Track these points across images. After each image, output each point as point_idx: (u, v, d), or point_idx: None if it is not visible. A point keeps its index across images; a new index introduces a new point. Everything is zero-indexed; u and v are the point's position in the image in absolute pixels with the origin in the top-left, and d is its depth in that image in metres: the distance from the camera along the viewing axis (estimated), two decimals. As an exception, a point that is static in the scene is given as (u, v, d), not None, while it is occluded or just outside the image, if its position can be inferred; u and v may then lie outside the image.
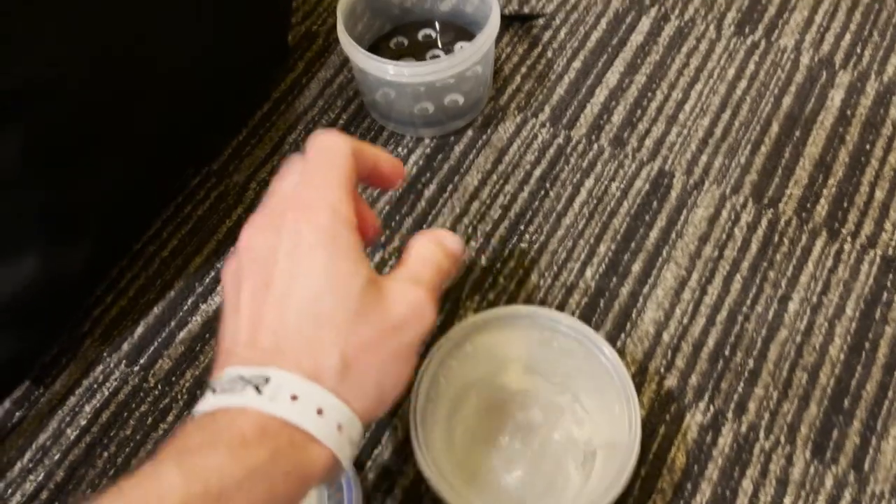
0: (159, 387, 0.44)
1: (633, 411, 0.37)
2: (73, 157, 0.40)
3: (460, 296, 0.46)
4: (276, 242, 0.30)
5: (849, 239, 0.46)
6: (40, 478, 0.41)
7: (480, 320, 0.40)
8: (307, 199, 0.30)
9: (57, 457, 0.42)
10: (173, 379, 0.44)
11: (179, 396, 0.43)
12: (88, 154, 0.40)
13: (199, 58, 0.44)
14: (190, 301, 0.46)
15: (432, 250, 0.32)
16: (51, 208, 0.41)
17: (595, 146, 0.51)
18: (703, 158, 0.50)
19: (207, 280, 0.47)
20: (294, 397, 0.27)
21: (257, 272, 0.30)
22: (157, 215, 0.49)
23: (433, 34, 0.54)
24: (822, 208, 0.47)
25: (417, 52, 0.53)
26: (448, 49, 0.53)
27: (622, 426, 0.37)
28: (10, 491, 0.41)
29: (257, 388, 0.27)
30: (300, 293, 0.29)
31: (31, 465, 0.42)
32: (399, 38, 0.54)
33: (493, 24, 0.47)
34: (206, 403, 0.28)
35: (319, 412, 0.27)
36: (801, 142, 0.50)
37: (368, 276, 0.29)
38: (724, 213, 0.47)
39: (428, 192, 0.49)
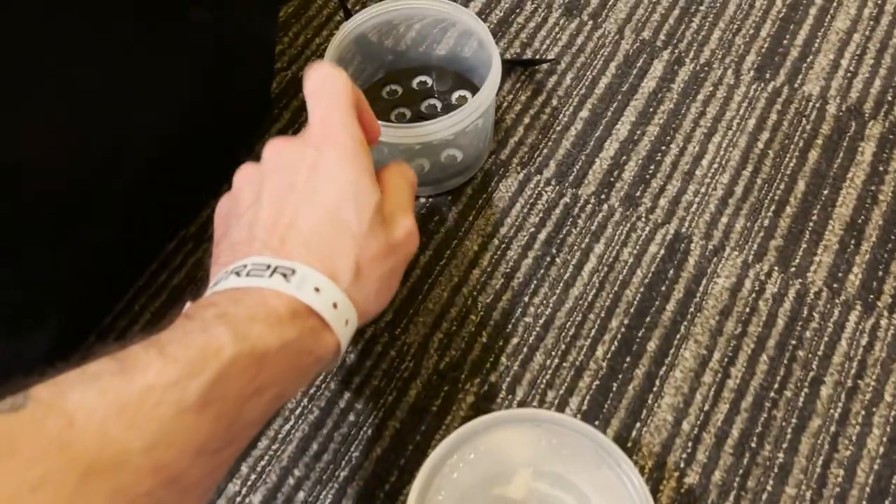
0: None
1: None
2: (33, 238, 0.36)
3: (459, 377, 0.42)
4: (300, 155, 0.33)
5: (885, 313, 0.42)
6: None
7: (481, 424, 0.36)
8: (327, 123, 0.33)
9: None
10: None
11: None
12: (53, 234, 0.36)
13: (176, 125, 0.40)
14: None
15: (403, 182, 0.36)
16: (6, 295, 0.37)
17: (605, 206, 0.47)
18: (723, 220, 0.46)
19: (183, 359, 0.43)
20: (317, 289, 0.30)
21: (282, 177, 0.33)
22: (130, 284, 0.45)
23: (429, 81, 0.50)
24: (854, 278, 0.43)
25: (412, 100, 0.49)
26: (445, 98, 0.49)
27: None
28: None
29: (285, 276, 0.30)
30: (324, 198, 0.32)
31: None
32: (392, 85, 0.50)
33: (495, 76, 0.43)
34: (235, 283, 0.30)
35: (335, 306, 0.30)
36: (830, 202, 0.46)
37: (379, 197, 0.33)
38: (748, 284, 0.43)
39: (423, 259, 0.45)
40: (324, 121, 0.33)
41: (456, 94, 0.49)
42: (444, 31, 0.50)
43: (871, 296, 0.43)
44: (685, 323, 0.43)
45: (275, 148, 0.34)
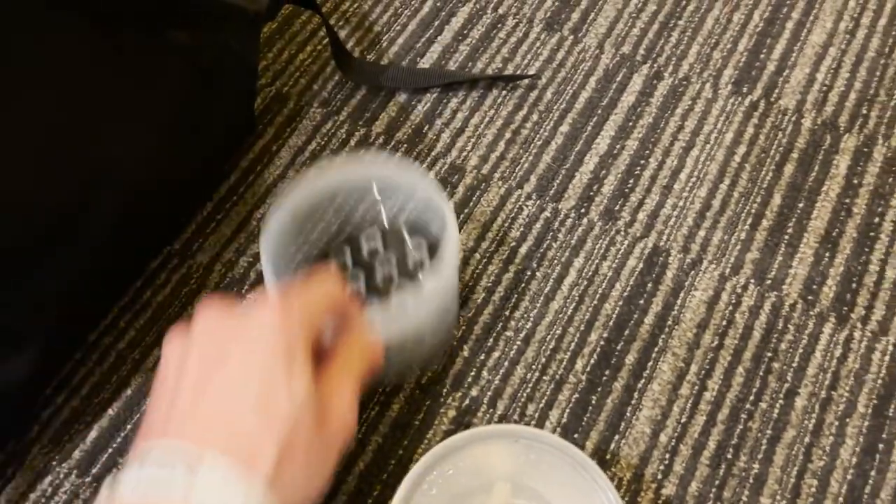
0: None
1: None
2: (12, 263, 0.36)
3: (441, 391, 0.42)
4: (234, 332, 0.31)
5: (858, 325, 0.43)
6: None
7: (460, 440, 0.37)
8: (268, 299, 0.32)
9: (-1, 585, 0.38)
10: (128, 491, 0.40)
11: (134, 513, 0.40)
12: (33, 258, 0.37)
13: (156, 148, 0.40)
14: (148, 400, 0.43)
15: (357, 358, 0.33)
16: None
17: (585, 220, 0.47)
18: (701, 234, 0.46)
19: (167, 375, 0.43)
20: (225, 482, 0.27)
21: (210, 351, 0.31)
22: (114, 303, 0.46)
23: (379, 249, 0.43)
24: (829, 290, 0.44)
25: (364, 274, 0.43)
26: (403, 268, 0.43)
27: None
28: None
29: (190, 469, 0.27)
30: (250, 384, 0.29)
31: None
32: (339, 258, 0.43)
33: (453, 246, 0.38)
34: (133, 479, 0.27)
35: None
36: (805, 214, 0.47)
37: (311, 387, 0.30)
38: (724, 297, 0.44)
39: (406, 273, 0.46)
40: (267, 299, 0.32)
41: (412, 260, 0.43)
42: (389, 194, 0.43)
43: (845, 308, 0.43)
44: (663, 336, 0.43)
45: (208, 318, 0.32)
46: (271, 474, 0.28)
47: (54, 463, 0.41)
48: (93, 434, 0.42)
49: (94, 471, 0.41)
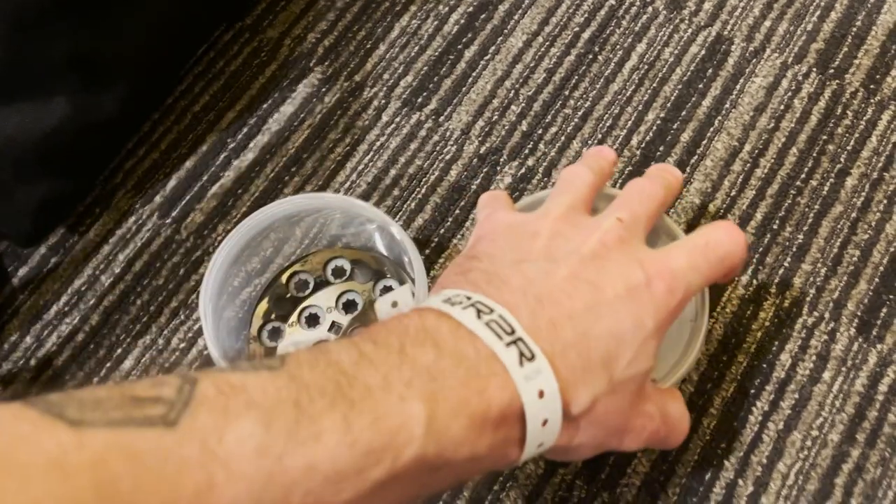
0: (191, 239, 0.43)
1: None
2: (103, 3, 0.38)
3: (498, 159, 0.44)
4: (626, 268, 0.28)
5: (919, 113, 0.43)
6: (76, 321, 0.42)
7: None
8: (674, 266, 0.29)
9: (92, 302, 0.42)
10: (205, 232, 0.44)
11: (211, 249, 0.43)
12: (118, 2, 0.39)
13: None
14: (222, 156, 0.45)
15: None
16: (81, 53, 0.40)
17: (650, 8, 0.47)
18: (766, 24, 0.46)
19: (240, 136, 0.46)
20: (541, 394, 0.25)
21: (593, 271, 0.28)
22: (189, 70, 0.48)
23: (346, 268, 0.41)
24: (892, 80, 0.44)
25: (326, 296, 0.40)
26: (366, 293, 0.40)
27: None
28: (46, 332, 0.42)
29: (521, 357, 0.25)
30: (612, 324, 0.27)
31: (66, 309, 0.42)
32: (302, 275, 0.41)
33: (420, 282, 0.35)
34: (470, 323, 0.25)
35: (544, 423, 0.25)
36: (875, 8, 0.46)
37: (652, 366, 0.29)
38: (784, 83, 0.44)
39: (468, 54, 0.47)
40: (676, 265, 0.29)
41: (380, 286, 0.40)
42: (354, 224, 0.41)
43: (907, 96, 0.44)
44: (719, 117, 0.44)
45: (607, 226, 0.29)
46: (579, 411, 0.26)
47: (137, 206, 0.45)
48: (172, 183, 0.45)
49: (173, 213, 0.44)
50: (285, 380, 0.22)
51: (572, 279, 0.28)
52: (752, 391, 0.38)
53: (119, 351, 0.41)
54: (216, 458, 0.20)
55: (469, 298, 0.26)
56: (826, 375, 0.38)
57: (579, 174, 0.33)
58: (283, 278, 0.41)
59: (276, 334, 0.40)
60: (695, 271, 0.29)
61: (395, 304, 0.28)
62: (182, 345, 0.41)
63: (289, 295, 0.41)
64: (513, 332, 0.25)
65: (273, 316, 0.41)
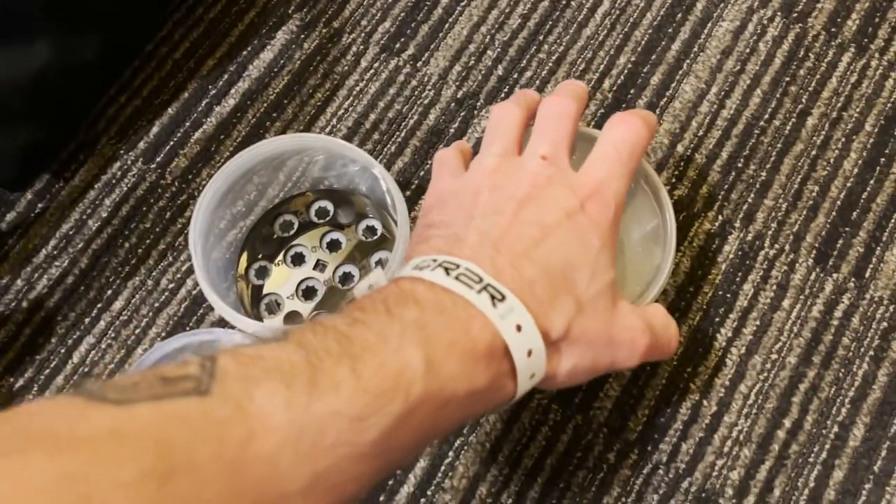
0: (176, 184, 0.44)
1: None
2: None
3: (475, 104, 0.45)
4: (561, 199, 0.31)
5: (876, 55, 0.45)
6: (65, 264, 0.43)
7: None
8: (602, 186, 0.32)
9: (80, 245, 0.43)
10: (189, 177, 0.45)
11: (196, 192, 0.44)
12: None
13: None
14: (204, 103, 0.46)
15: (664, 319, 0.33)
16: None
17: (621, -45, 0.48)
18: (734, -31, 0.48)
19: (220, 83, 0.47)
20: (518, 328, 0.28)
21: (533, 208, 0.31)
22: (169, 17, 0.48)
23: (329, 208, 0.43)
24: (852, 23, 0.46)
25: (312, 236, 0.42)
26: (350, 233, 0.42)
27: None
28: (36, 275, 0.43)
29: (493, 299, 0.27)
30: (564, 251, 0.30)
31: (55, 253, 0.43)
32: (286, 216, 0.42)
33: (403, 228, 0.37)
34: (442, 281, 0.28)
35: (529, 353, 0.28)
36: (839, -46, 0.48)
37: (613, 277, 0.31)
38: (750, 27, 0.46)
39: (444, 0, 0.48)
40: (598, 180, 0.32)
41: (362, 226, 0.42)
42: (339, 164, 0.42)
43: (866, 39, 0.45)
44: (688, 61, 0.46)
45: (535, 168, 0.32)
46: (552, 344, 0.29)
47: (122, 151, 0.45)
48: (155, 129, 0.46)
49: (157, 159, 0.45)
50: (294, 346, 0.25)
51: (519, 223, 0.30)
52: (717, 319, 0.40)
53: (109, 292, 0.42)
54: (250, 414, 0.22)
55: (435, 261, 0.29)
56: (785, 303, 0.40)
57: (505, 114, 0.35)
58: (269, 220, 0.43)
59: (262, 273, 0.42)
60: (616, 177, 0.32)
61: (370, 287, 0.31)
62: (171, 286, 0.42)
63: (275, 236, 0.42)
64: (480, 280, 0.28)
65: (259, 256, 0.42)
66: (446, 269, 0.28)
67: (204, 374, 0.23)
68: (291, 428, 0.23)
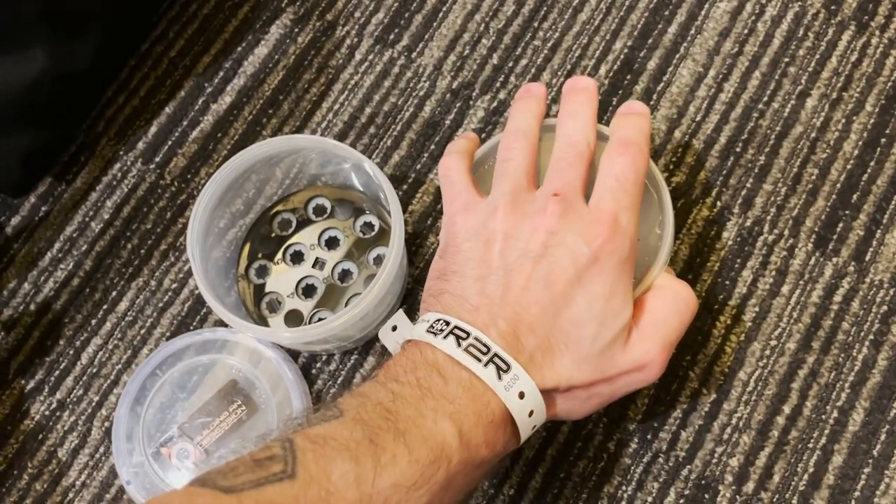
0: (175, 184, 0.45)
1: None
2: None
3: (471, 94, 0.45)
4: (573, 251, 0.32)
5: (877, 32, 0.44)
6: (70, 266, 0.44)
7: None
8: (615, 222, 0.33)
9: (84, 248, 0.44)
10: (188, 176, 0.45)
11: (195, 192, 0.44)
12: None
13: None
14: (200, 101, 0.46)
15: (674, 310, 0.35)
16: (52, 4, 0.40)
17: (616, -64, 0.48)
18: (731, -52, 0.47)
19: (216, 80, 0.47)
20: (521, 395, 0.31)
21: (546, 265, 0.32)
22: (163, 15, 0.48)
23: (327, 206, 0.43)
24: (852, 0, 0.45)
25: (310, 234, 0.42)
26: (348, 230, 0.42)
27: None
28: (42, 278, 0.43)
29: (498, 371, 0.31)
30: (572, 309, 0.32)
31: (60, 255, 0.44)
32: (285, 215, 0.43)
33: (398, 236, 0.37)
34: (454, 353, 0.31)
35: (530, 414, 0.31)
36: (839, -72, 0.46)
37: (628, 318, 0.33)
38: (748, 7, 0.45)
39: (438, -12, 0.48)
40: (612, 214, 0.33)
41: (360, 222, 0.42)
42: (334, 163, 0.43)
43: (866, 16, 0.44)
44: (685, 44, 0.45)
45: (548, 209, 0.33)
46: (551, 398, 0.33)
47: (121, 153, 0.46)
48: (153, 129, 0.46)
49: (156, 159, 0.45)
50: (352, 424, 0.29)
51: (526, 286, 0.32)
52: (716, 307, 0.40)
53: (114, 294, 0.43)
54: (331, 494, 0.27)
55: (448, 324, 0.32)
56: (785, 289, 0.40)
57: (513, 148, 0.36)
58: (267, 218, 0.43)
59: (263, 272, 0.42)
60: (624, 209, 0.33)
61: (395, 329, 0.35)
62: (174, 285, 0.43)
63: (273, 234, 0.43)
64: (488, 350, 0.31)
65: (259, 255, 0.42)
66: (458, 339, 0.31)
67: (287, 455, 0.28)
68: (360, 498, 0.27)
